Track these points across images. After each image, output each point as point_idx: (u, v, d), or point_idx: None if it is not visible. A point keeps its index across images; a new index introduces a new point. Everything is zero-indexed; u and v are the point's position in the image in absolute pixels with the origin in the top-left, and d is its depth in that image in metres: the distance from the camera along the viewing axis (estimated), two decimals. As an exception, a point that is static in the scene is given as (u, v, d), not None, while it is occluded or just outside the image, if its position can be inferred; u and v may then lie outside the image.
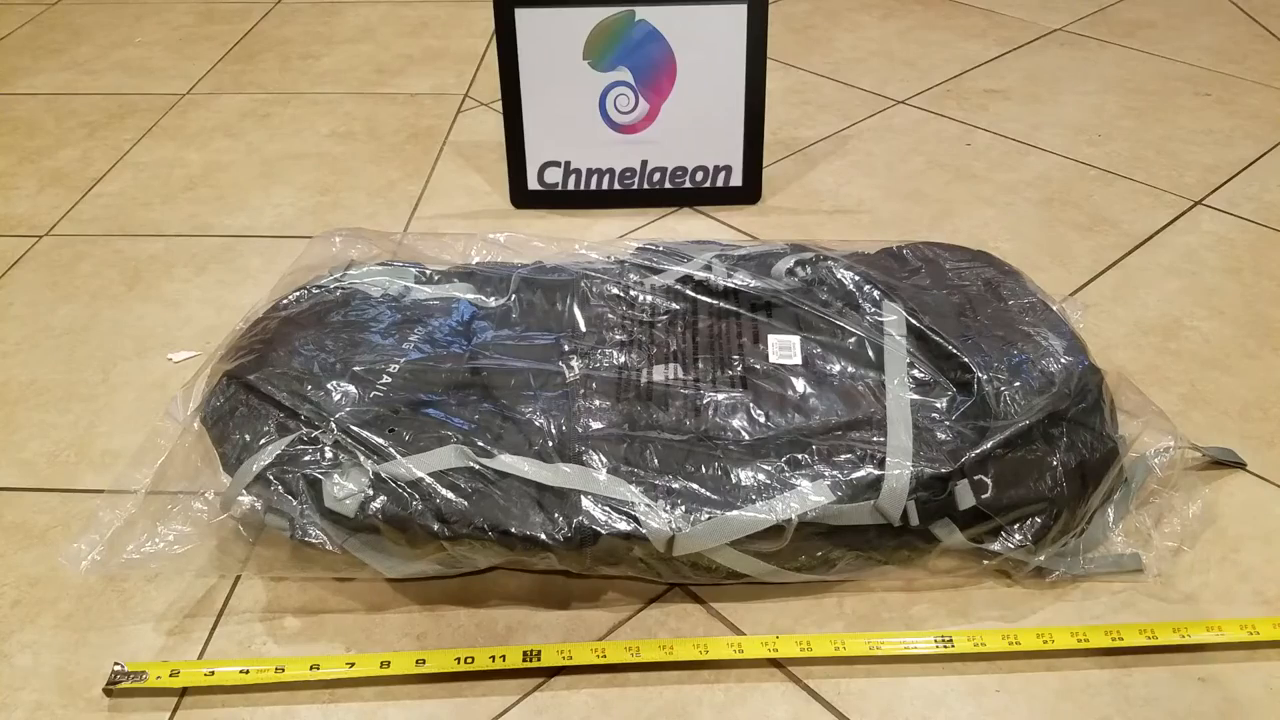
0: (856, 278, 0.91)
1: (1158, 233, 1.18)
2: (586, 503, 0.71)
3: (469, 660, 0.71)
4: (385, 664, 0.71)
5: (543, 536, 0.70)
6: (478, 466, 0.73)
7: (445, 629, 0.75)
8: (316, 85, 1.59)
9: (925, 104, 1.49)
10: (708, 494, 0.72)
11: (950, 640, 0.71)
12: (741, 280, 0.90)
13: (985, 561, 0.76)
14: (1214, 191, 1.25)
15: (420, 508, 0.71)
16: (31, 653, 0.73)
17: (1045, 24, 1.74)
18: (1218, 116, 1.43)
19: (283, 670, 0.71)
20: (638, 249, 0.97)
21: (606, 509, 0.71)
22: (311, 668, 0.71)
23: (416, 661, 0.71)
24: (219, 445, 0.76)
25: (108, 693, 0.70)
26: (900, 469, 0.73)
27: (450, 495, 0.71)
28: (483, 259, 1.01)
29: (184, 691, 0.70)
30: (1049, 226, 1.20)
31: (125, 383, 0.99)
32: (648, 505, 0.71)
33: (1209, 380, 0.96)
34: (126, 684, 0.70)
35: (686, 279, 0.91)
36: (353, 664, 0.71)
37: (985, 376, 0.80)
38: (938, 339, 0.84)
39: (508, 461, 0.73)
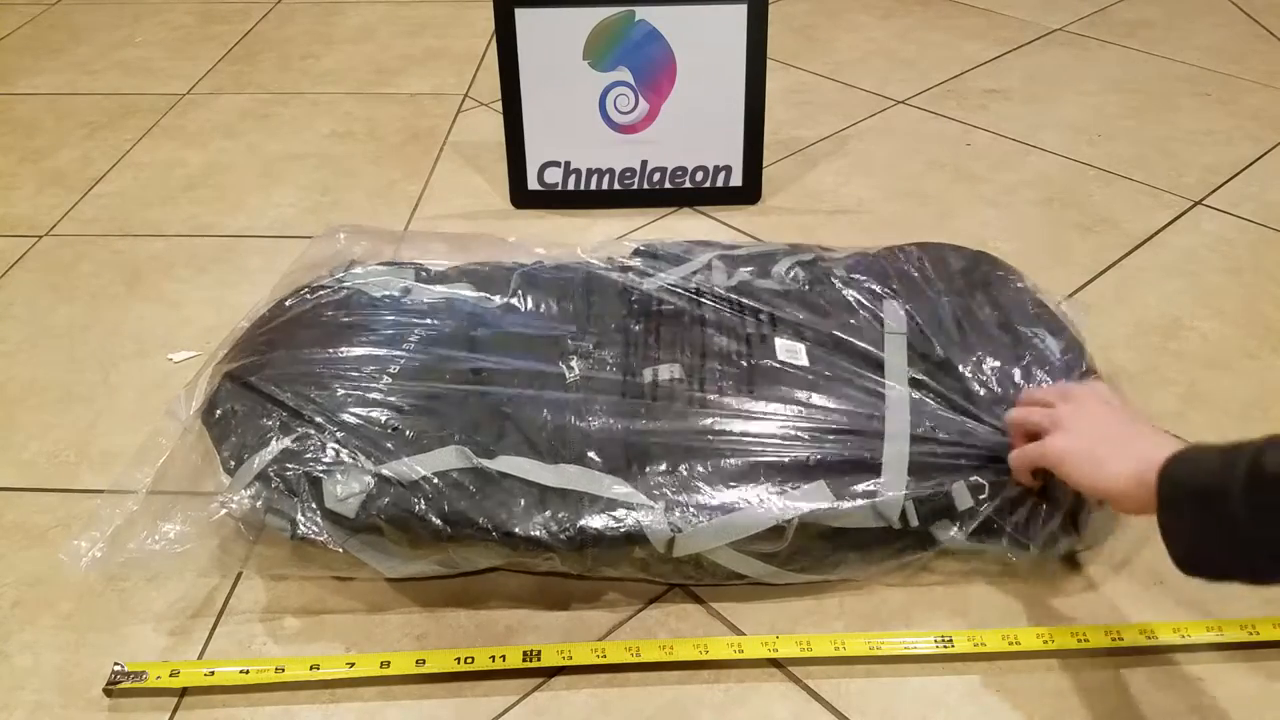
0: (856, 278, 0.91)
1: (1158, 233, 1.18)
2: (588, 503, 0.71)
3: (469, 660, 0.71)
4: (385, 664, 0.71)
5: (544, 537, 0.70)
6: (479, 466, 0.73)
7: (445, 629, 0.75)
8: (316, 85, 1.59)
9: (925, 104, 1.49)
10: (708, 494, 0.72)
11: (950, 640, 0.71)
12: (742, 281, 0.90)
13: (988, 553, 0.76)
14: (1214, 191, 1.25)
15: (422, 508, 0.71)
16: (31, 653, 0.73)
17: (1045, 24, 1.74)
18: (1218, 116, 1.43)
19: (283, 670, 0.71)
20: (636, 250, 0.97)
21: (607, 509, 0.71)
22: (311, 668, 0.71)
23: (416, 661, 0.71)
24: (219, 445, 0.76)
25: (108, 693, 0.70)
26: (899, 470, 0.73)
27: (452, 495, 0.71)
28: (485, 258, 1.00)
29: (184, 691, 0.70)
30: (1049, 226, 1.20)
31: (125, 383, 0.99)
32: (649, 506, 0.71)
33: (1209, 380, 0.96)
34: (126, 684, 0.70)
35: (688, 280, 0.91)
36: (353, 664, 0.71)
37: (983, 378, 0.80)
38: (936, 340, 0.84)
39: (509, 462, 0.73)
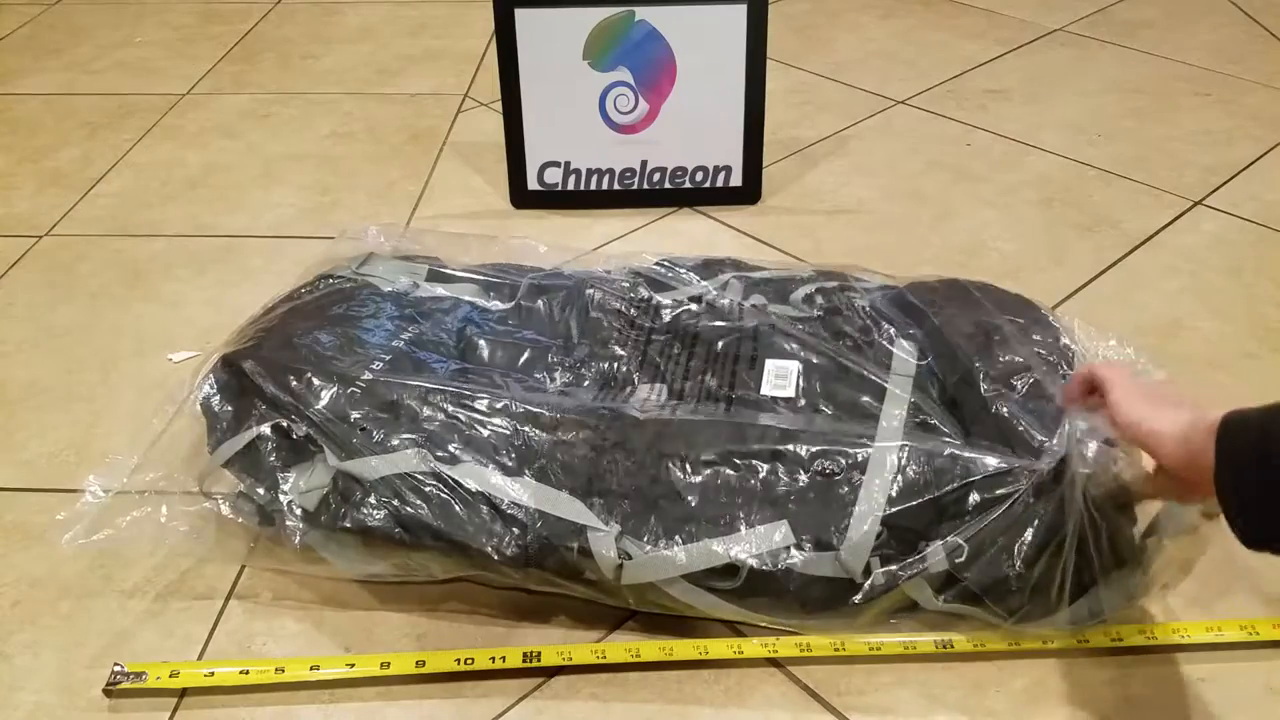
0: (877, 311, 0.85)
1: (1158, 233, 1.18)
2: (541, 521, 0.70)
3: (469, 661, 0.71)
4: (385, 664, 0.71)
5: (490, 551, 0.69)
6: (439, 472, 0.72)
7: (445, 629, 0.75)
8: (316, 85, 1.59)
9: (925, 104, 1.49)
10: (663, 525, 0.70)
11: (950, 641, 0.71)
12: (754, 304, 0.87)
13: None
14: (1214, 191, 1.25)
15: (378, 510, 0.70)
16: (31, 653, 0.73)
17: (1045, 24, 1.74)
18: (1218, 116, 1.43)
19: (283, 671, 0.71)
20: (657, 263, 0.94)
21: (559, 530, 0.70)
22: (311, 668, 0.71)
23: (416, 662, 0.71)
24: (208, 426, 0.77)
25: (108, 693, 0.70)
26: (870, 523, 0.68)
27: (410, 500, 0.71)
28: (504, 261, 0.98)
29: (184, 692, 0.70)
30: (1049, 226, 1.20)
31: (125, 383, 0.99)
32: (599, 530, 0.70)
33: (1209, 380, 0.96)
34: (126, 684, 0.70)
35: (699, 298, 0.89)
36: (353, 664, 0.71)
37: (987, 428, 0.74)
38: (945, 383, 0.79)
39: (469, 470, 0.72)
